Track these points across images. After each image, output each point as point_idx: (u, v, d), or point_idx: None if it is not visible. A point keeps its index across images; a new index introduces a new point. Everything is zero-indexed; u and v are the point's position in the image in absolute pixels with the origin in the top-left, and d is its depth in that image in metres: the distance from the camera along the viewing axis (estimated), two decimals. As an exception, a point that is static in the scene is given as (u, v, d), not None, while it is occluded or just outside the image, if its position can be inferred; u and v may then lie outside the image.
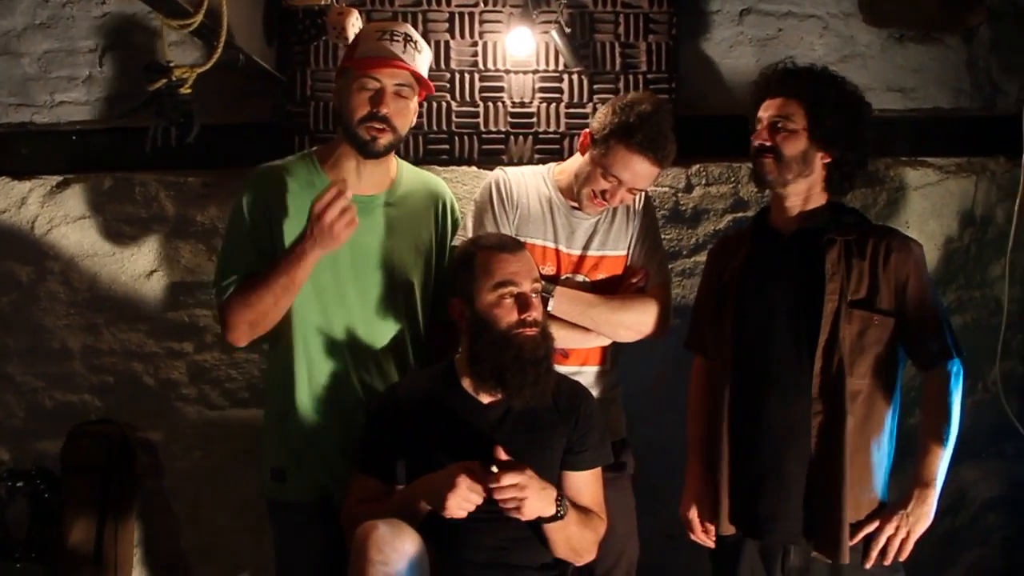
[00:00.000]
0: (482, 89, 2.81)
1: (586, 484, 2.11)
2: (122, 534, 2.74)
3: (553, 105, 2.82)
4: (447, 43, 2.79)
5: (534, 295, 2.05)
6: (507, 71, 2.81)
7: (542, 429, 2.08)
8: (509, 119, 2.82)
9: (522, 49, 2.76)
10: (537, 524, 1.98)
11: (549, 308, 2.21)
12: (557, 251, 2.33)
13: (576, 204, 2.34)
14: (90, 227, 2.85)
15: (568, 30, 2.71)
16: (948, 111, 2.96)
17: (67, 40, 2.80)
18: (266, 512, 2.32)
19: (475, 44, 2.80)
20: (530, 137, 2.82)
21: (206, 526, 2.91)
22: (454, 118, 2.82)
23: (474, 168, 2.83)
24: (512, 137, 2.83)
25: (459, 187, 2.81)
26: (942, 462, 2.05)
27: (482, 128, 2.83)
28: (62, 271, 2.86)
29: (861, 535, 2.06)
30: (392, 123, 2.14)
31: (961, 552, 3.06)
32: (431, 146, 2.82)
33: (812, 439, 2.06)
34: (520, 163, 2.74)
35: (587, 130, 2.30)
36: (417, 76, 2.17)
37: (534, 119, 2.82)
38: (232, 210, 2.19)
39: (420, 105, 2.29)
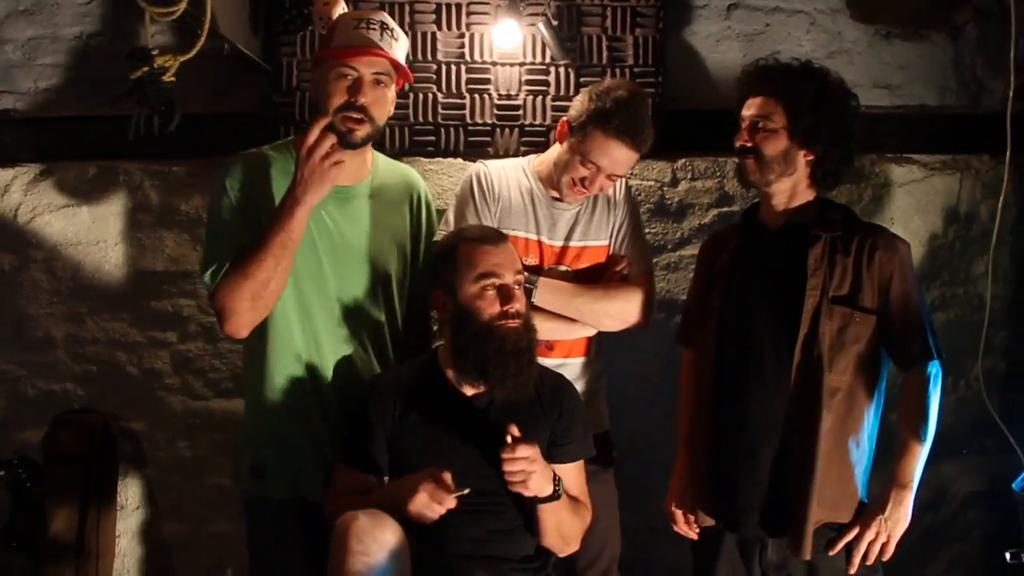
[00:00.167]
0: (468, 81, 2.81)
1: (570, 476, 2.11)
2: (104, 524, 2.74)
3: (539, 98, 2.82)
4: (434, 35, 2.79)
5: (517, 287, 2.05)
6: (494, 63, 2.81)
7: (525, 421, 2.07)
8: (495, 111, 2.82)
9: (509, 41, 2.76)
10: (525, 510, 1.99)
11: (533, 299, 2.21)
12: (539, 242, 2.33)
13: (557, 195, 2.35)
14: (74, 215, 2.84)
15: (555, 23, 2.71)
16: (934, 108, 2.97)
17: (51, 27, 2.79)
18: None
19: (462, 36, 2.80)
20: (516, 129, 2.82)
21: (189, 516, 2.91)
22: (440, 110, 2.82)
23: (460, 160, 2.83)
24: (498, 129, 2.83)
25: (445, 179, 2.81)
26: (919, 463, 2.06)
27: (468, 120, 2.83)
28: (45, 259, 2.85)
29: (841, 544, 2.06)
30: (370, 113, 2.10)
31: (942, 547, 3.09)
32: (417, 138, 2.82)
33: (787, 434, 2.07)
34: (506, 155, 2.74)
35: (564, 118, 2.31)
36: (395, 64, 2.15)
37: (520, 111, 2.82)
38: (213, 197, 2.14)
39: (397, 95, 2.27)
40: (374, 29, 2.11)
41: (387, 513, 1.91)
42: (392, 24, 2.16)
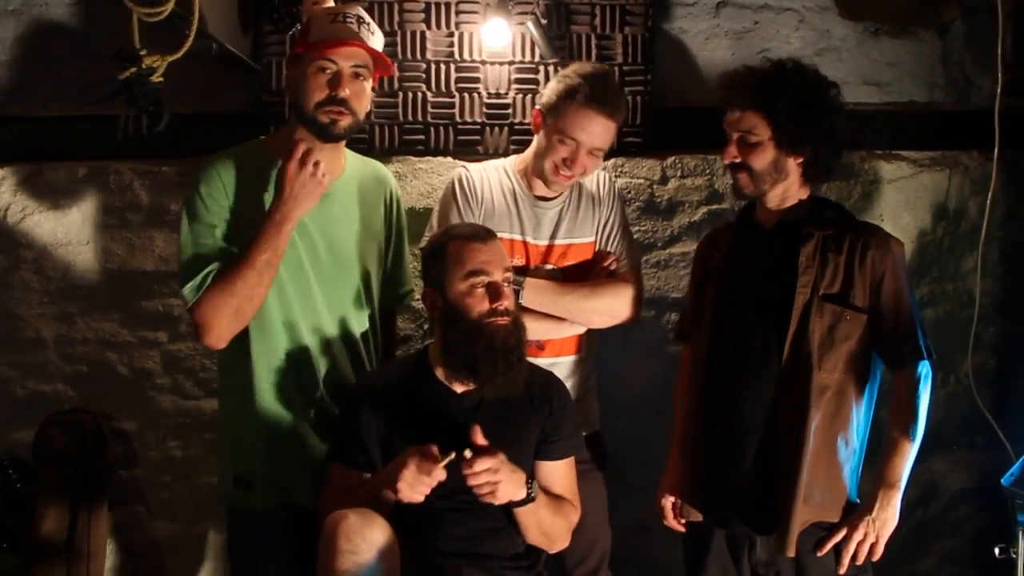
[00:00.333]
0: (458, 80, 2.81)
1: (559, 474, 2.12)
2: (95, 523, 2.73)
3: (529, 96, 2.81)
4: (423, 34, 2.78)
5: (506, 284, 2.06)
6: (483, 62, 2.80)
7: (516, 419, 2.09)
8: (485, 110, 2.82)
9: (498, 40, 2.75)
10: (508, 510, 1.99)
11: (520, 300, 2.22)
12: (524, 243, 2.34)
13: (540, 194, 2.35)
14: (64, 215, 2.83)
15: (544, 21, 2.71)
16: (922, 105, 2.97)
17: (40, 26, 2.78)
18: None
19: (451, 35, 2.79)
20: (506, 128, 2.82)
21: (180, 515, 2.91)
22: (430, 109, 2.81)
23: (449, 159, 2.83)
24: (488, 128, 2.82)
25: (435, 178, 2.81)
26: (907, 463, 2.07)
27: (458, 119, 2.82)
28: (35, 260, 2.84)
29: (829, 545, 2.08)
30: (351, 106, 2.10)
31: (932, 542, 3.10)
32: (406, 136, 2.82)
33: (775, 432, 2.07)
34: (496, 154, 2.74)
35: (537, 107, 2.33)
36: (374, 55, 2.14)
37: (510, 110, 2.82)
38: (187, 205, 2.11)
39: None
40: (351, 22, 2.11)
41: (379, 505, 1.92)
42: (368, 18, 2.15)
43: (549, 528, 2.06)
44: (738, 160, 2.11)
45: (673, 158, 2.91)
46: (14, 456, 2.78)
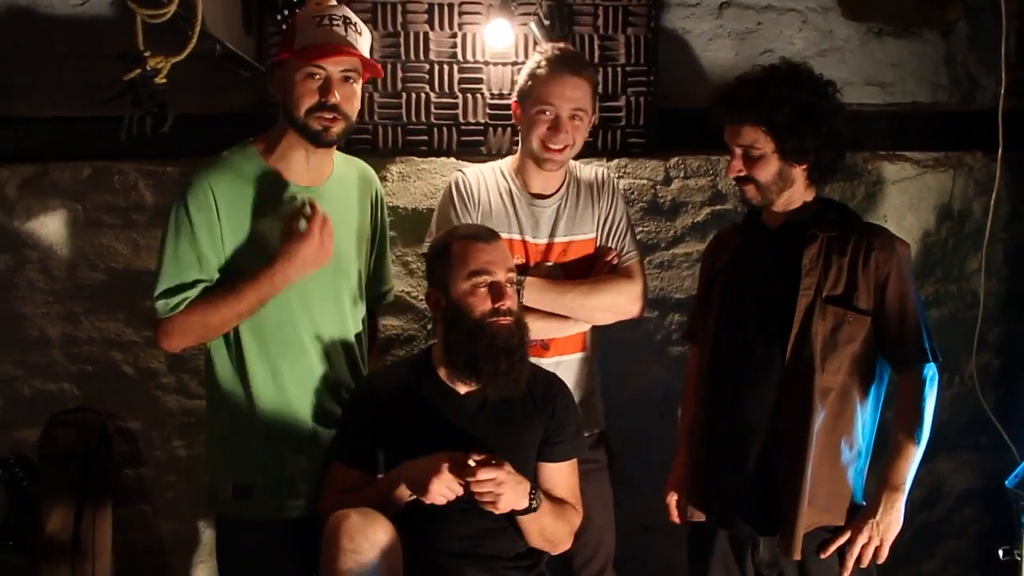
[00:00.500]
0: (461, 81, 2.81)
1: (562, 475, 2.12)
2: (100, 522, 2.74)
3: (532, 97, 2.81)
4: (426, 35, 2.79)
5: (508, 285, 2.06)
6: (486, 63, 2.81)
7: (518, 419, 2.09)
8: (488, 111, 2.82)
9: (501, 41, 2.76)
10: (510, 515, 1.99)
11: (521, 299, 2.22)
12: (524, 242, 2.34)
13: (537, 191, 2.37)
14: (69, 215, 2.84)
15: (547, 22, 2.71)
16: (926, 106, 2.97)
17: (45, 28, 2.79)
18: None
19: (454, 36, 2.80)
20: (509, 129, 2.82)
21: (185, 515, 2.91)
22: (433, 109, 2.82)
23: (453, 160, 2.84)
24: (491, 129, 2.83)
25: (438, 178, 2.82)
26: (912, 466, 2.06)
27: (461, 120, 2.83)
28: (41, 259, 2.85)
29: (832, 548, 2.07)
30: (342, 110, 2.08)
31: (937, 544, 3.09)
32: (410, 137, 2.82)
33: (778, 434, 2.07)
34: (499, 155, 2.74)
35: (513, 100, 2.37)
36: (362, 59, 2.11)
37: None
38: (173, 214, 2.09)
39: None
40: (337, 25, 2.07)
41: (382, 506, 1.92)
42: (354, 18, 2.12)
43: (551, 534, 2.07)
44: (743, 173, 2.11)
45: (676, 159, 2.91)
46: (20, 455, 2.79)
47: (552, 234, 2.37)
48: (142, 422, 2.90)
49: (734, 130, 2.10)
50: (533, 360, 2.21)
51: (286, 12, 2.64)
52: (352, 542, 1.81)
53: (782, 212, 2.15)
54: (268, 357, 2.14)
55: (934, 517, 3.07)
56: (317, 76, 2.06)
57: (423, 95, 2.82)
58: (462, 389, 2.08)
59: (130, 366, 2.89)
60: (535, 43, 2.74)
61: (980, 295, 2.92)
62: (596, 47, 2.82)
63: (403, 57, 2.79)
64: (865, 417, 2.11)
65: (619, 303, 2.34)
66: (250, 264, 2.08)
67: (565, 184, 2.40)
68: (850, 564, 2.06)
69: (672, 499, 2.30)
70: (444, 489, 1.88)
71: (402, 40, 2.79)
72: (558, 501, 2.09)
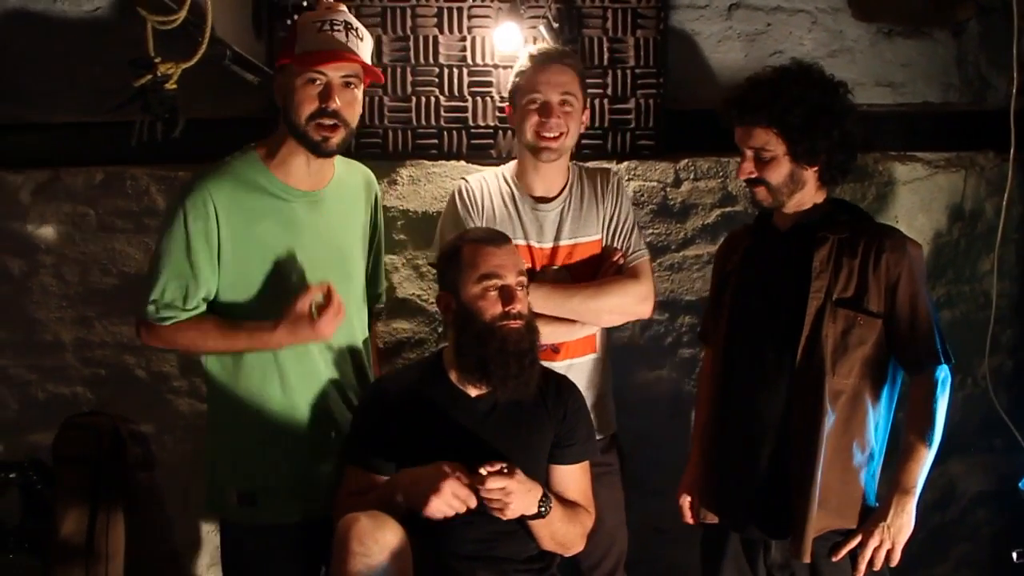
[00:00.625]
0: (471, 84, 2.82)
1: (573, 478, 2.13)
2: (113, 525, 2.74)
3: (541, 99, 2.81)
4: (436, 38, 2.80)
5: (519, 288, 2.07)
6: (495, 66, 2.81)
7: (530, 422, 2.10)
8: (498, 114, 2.82)
9: (510, 44, 2.76)
10: (521, 519, 1.99)
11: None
12: (529, 247, 2.34)
13: (541, 195, 2.37)
14: (82, 220, 2.86)
15: (556, 25, 2.72)
16: (937, 106, 2.96)
17: (58, 35, 2.81)
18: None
19: (463, 39, 2.80)
20: (518, 131, 2.82)
21: (197, 517, 2.93)
22: (443, 113, 2.83)
23: (463, 163, 2.84)
24: (501, 131, 2.83)
25: (448, 182, 2.82)
26: (923, 469, 2.05)
27: (471, 123, 2.83)
28: (54, 264, 2.86)
29: (844, 551, 2.07)
30: (343, 116, 2.08)
31: (950, 546, 3.08)
32: (420, 140, 2.83)
33: (788, 436, 2.07)
34: (509, 157, 2.74)
35: (506, 104, 2.41)
36: (363, 65, 2.11)
37: (522, 114, 2.82)
38: (170, 222, 2.09)
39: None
40: (339, 30, 2.07)
41: (390, 508, 1.93)
42: (355, 23, 2.12)
43: (562, 537, 2.07)
44: (754, 175, 2.11)
45: (686, 160, 2.91)
46: (34, 458, 2.80)
47: (557, 237, 2.37)
48: (155, 425, 2.91)
49: (745, 132, 2.10)
50: (544, 363, 2.21)
51: (296, 17, 2.65)
52: (362, 545, 1.82)
53: (793, 214, 2.15)
54: (273, 363, 2.14)
55: (947, 519, 3.06)
56: (317, 82, 2.06)
57: (433, 98, 2.82)
58: (473, 392, 2.08)
59: (143, 370, 2.91)
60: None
61: (992, 296, 2.90)
62: (605, 49, 2.82)
63: (413, 61, 2.80)
64: (877, 419, 2.11)
65: (626, 304, 2.33)
66: (251, 268, 2.10)
67: (568, 186, 2.40)
68: (862, 567, 2.06)
69: (685, 501, 2.30)
70: (443, 506, 1.88)
71: (412, 44, 2.79)
72: (570, 504, 2.09)
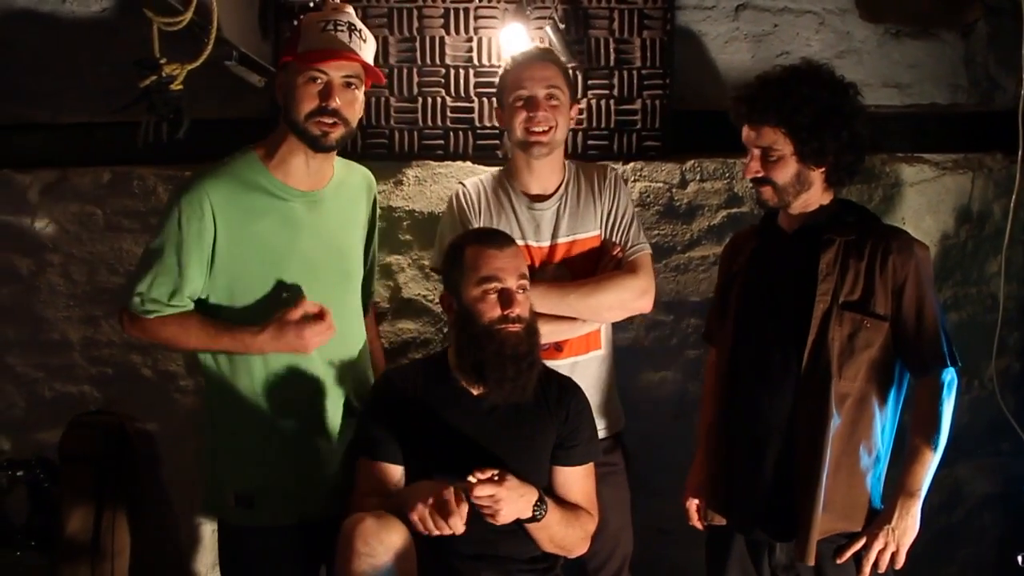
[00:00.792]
0: (477, 85, 2.82)
1: (576, 480, 2.13)
2: (119, 523, 2.76)
3: (547, 101, 2.81)
4: (442, 39, 2.80)
5: (520, 292, 2.06)
6: (502, 67, 2.80)
7: (532, 423, 2.10)
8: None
9: (516, 45, 2.75)
10: (517, 523, 1.99)
11: None
12: (527, 246, 2.34)
13: (537, 192, 2.38)
14: (89, 220, 2.87)
15: (562, 26, 2.72)
16: (945, 107, 2.95)
17: (66, 36, 2.82)
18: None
19: (470, 40, 2.80)
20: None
21: (202, 516, 2.93)
22: (449, 113, 2.83)
23: (469, 163, 2.84)
24: (506, 132, 2.81)
25: (454, 183, 2.81)
26: (928, 472, 2.05)
27: (477, 124, 2.83)
28: (61, 263, 2.87)
29: (848, 554, 2.07)
30: (343, 115, 2.08)
31: (956, 549, 3.06)
32: (426, 141, 2.83)
33: (794, 440, 2.06)
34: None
35: (495, 107, 2.43)
36: (364, 65, 2.12)
37: (528, 115, 2.82)
38: (166, 219, 2.10)
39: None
40: (342, 31, 2.08)
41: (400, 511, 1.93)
42: (359, 24, 2.13)
43: (561, 540, 2.07)
44: (760, 175, 2.10)
45: (692, 162, 2.90)
46: (41, 457, 2.81)
47: (555, 235, 2.36)
48: (161, 424, 2.92)
49: (753, 131, 2.10)
50: (548, 362, 2.21)
51: (302, 17, 2.66)
52: (367, 545, 1.83)
53: (799, 215, 2.14)
54: (271, 363, 2.14)
55: (953, 522, 3.05)
56: (318, 80, 2.07)
57: (439, 99, 2.82)
58: (476, 391, 2.09)
59: (149, 369, 2.91)
60: (551, 47, 2.75)
61: (1000, 298, 2.89)
62: (612, 50, 2.82)
63: (419, 61, 2.80)
64: (884, 422, 2.10)
65: (624, 299, 2.32)
66: (249, 266, 2.11)
67: (564, 183, 2.40)
68: (866, 570, 2.05)
69: (692, 504, 2.30)
70: (418, 523, 1.87)
71: (418, 44, 2.80)
72: (571, 507, 2.09)
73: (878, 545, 2.04)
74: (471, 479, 1.88)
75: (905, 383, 2.14)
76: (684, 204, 2.92)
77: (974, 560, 3.07)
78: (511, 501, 1.90)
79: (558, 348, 2.34)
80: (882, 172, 2.92)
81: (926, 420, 2.06)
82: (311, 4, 2.62)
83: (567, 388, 2.18)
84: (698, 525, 2.30)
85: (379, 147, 2.81)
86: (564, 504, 2.07)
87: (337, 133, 2.10)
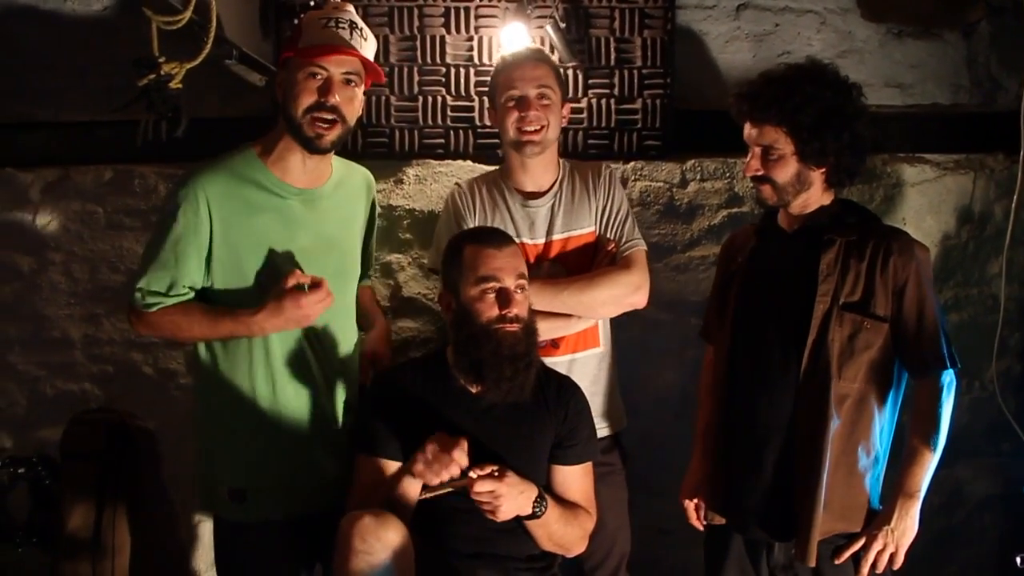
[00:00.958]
0: (477, 84, 2.82)
1: (575, 478, 2.13)
2: (120, 520, 2.76)
3: (548, 100, 2.81)
4: (443, 38, 2.80)
5: (518, 291, 2.06)
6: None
7: (531, 421, 2.10)
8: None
9: (517, 44, 2.75)
10: (517, 520, 1.99)
11: None
12: (522, 244, 2.34)
13: (531, 190, 2.38)
14: (90, 218, 2.88)
15: (563, 25, 2.71)
16: (946, 107, 2.94)
17: (67, 35, 2.82)
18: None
19: (470, 39, 2.81)
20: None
21: (203, 513, 2.94)
22: (449, 112, 2.83)
23: (469, 162, 2.84)
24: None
25: (454, 181, 2.82)
26: (927, 473, 2.05)
27: (477, 123, 2.84)
28: (63, 262, 2.88)
29: (847, 554, 2.07)
30: (341, 112, 2.08)
31: (957, 550, 3.06)
32: (426, 140, 2.84)
33: (793, 440, 2.06)
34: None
35: (488, 108, 2.44)
36: (365, 63, 2.12)
37: (529, 114, 2.82)
38: (164, 215, 2.11)
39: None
40: (343, 28, 2.08)
41: (401, 506, 1.94)
42: (360, 23, 2.13)
43: (560, 538, 2.07)
44: (761, 173, 2.10)
45: (693, 161, 2.90)
46: (43, 454, 2.81)
47: (549, 232, 2.37)
48: (161, 422, 2.91)
49: (755, 129, 2.10)
50: (546, 359, 2.22)
51: (303, 15, 2.67)
52: (364, 543, 1.83)
53: (799, 215, 2.14)
54: (265, 359, 2.15)
55: (953, 523, 3.04)
56: (318, 76, 2.07)
57: (440, 98, 2.83)
58: (474, 389, 2.09)
59: (150, 367, 2.92)
60: (551, 46, 2.75)
61: (1001, 299, 2.89)
62: (612, 49, 2.82)
63: (419, 60, 2.80)
64: (883, 423, 2.10)
65: (618, 295, 2.32)
66: (245, 262, 2.11)
67: (559, 181, 2.40)
68: (865, 570, 2.05)
69: (691, 504, 2.30)
70: (432, 465, 1.92)
71: (419, 43, 2.80)
72: (570, 505, 2.09)
73: (877, 546, 2.04)
74: (471, 475, 1.89)
75: (904, 384, 2.13)
76: (684, 204, 2.91)
77: (974, 561, 3.07)
78: (511, 497, 1.91)
79: (554, 345, 2.34)
80: (883, 172, 2.92)
81: (925, 421, 2.06)
82: (312, 3, 2.62)
83: (566, 387, 2.18)
84: (698, 525, 2.30)
85: (379, 146, 2.81)
86: (563, 502, 2.08)
87: (333, 135, 2.10)
